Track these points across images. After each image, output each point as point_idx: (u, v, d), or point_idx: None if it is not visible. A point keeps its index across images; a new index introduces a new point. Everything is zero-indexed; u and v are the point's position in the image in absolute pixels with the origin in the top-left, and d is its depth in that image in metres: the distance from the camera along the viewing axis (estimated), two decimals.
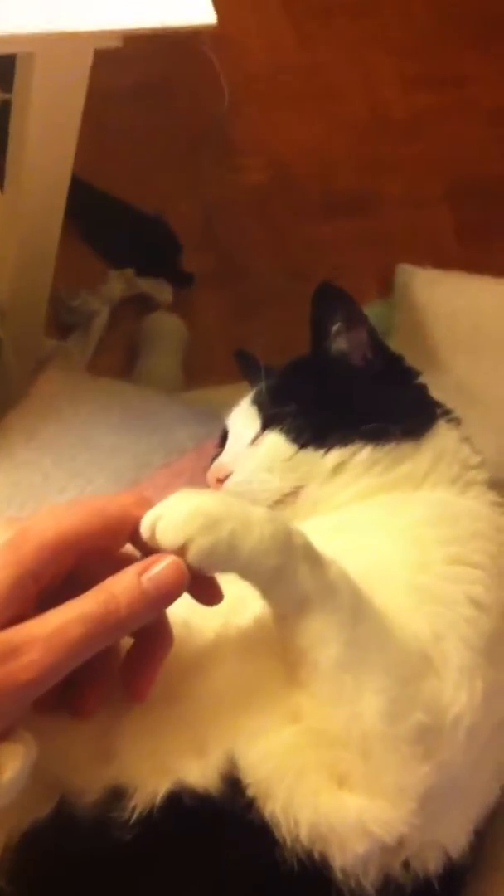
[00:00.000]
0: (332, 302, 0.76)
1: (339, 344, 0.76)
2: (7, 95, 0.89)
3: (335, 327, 0.75)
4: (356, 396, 0.74)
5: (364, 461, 0.70)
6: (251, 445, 0.73)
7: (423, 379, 0.78)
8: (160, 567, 0.50)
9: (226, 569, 0.53)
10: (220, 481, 0.72)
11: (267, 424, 0.73)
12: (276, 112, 1.71)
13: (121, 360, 1.43)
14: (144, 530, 0.51)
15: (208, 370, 1.27)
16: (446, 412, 0.75)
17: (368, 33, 1.83)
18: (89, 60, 0.76)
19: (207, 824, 0.53)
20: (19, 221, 0.89)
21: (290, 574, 0.53)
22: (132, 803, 0.53)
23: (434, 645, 0.58)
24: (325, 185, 1.65)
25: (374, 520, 0.67)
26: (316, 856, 0.53)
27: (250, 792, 0.53)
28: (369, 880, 0.54)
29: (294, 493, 0.70)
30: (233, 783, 0.54)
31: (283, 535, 0.53)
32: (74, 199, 1.40)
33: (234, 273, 1.54)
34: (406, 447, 0.71)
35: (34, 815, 0.53)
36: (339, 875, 0.53)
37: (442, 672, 0.57)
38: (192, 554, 0.50)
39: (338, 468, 0.70)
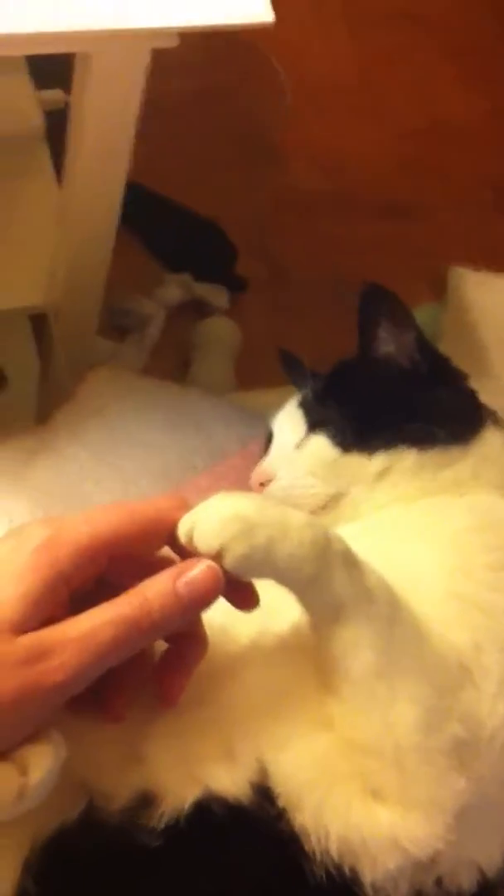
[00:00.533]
0: (378, 303, 0.75)
1: (386, 346, 0.74)
2: (68, 98, 0.90)
3: (382, 329, 0.74)
4: (403, 399, 0.73)
5: (410, 466, 0.69)
6: (296, 449, 0.73)
7: (471, 382, 0.76)
8: (195, 572, 0.49)
9: (262, 575, 0.52)
10: (263, 485, 0.72)
11: (312, 428, 0.73)
12: (331, 118, 1.70)
13: (174, 364, 1.43)
14: (181, 534, 0.51)
15: (256, 376, 1.27)
16: (494, 416, 0.74)
17: (425, 40, 1.81)
18: (147, 61, 0.76)
19: (236, 834, 0.53)
20: (75, 221, 0.89)
21: (328, 581, 0.52)
22: (160, 810, 0.52)
23: (473, 655, 0.56)
24: (379, 192, 1.63)
25: (416, 525, 0.66)
26: (346, 870, 0.52)
27: (280, 802, 0.52)
28: None
29: (337, 497, 0.70)
30: (263, 792, 0.53)
31: (321, 541, 0.52)
32: (133, 203, 1.42)
33: (285, 279, 1.53)
34: (453, 452, 0.69)
35: (62, 817, 0.53)
36: (369, 891, 0.52)
37: (481, 684, 0.55)
38: (229, 560, 0.49)
39: (383, 473, 0.69)
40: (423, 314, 1.12)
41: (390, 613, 0.54)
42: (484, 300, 1.09)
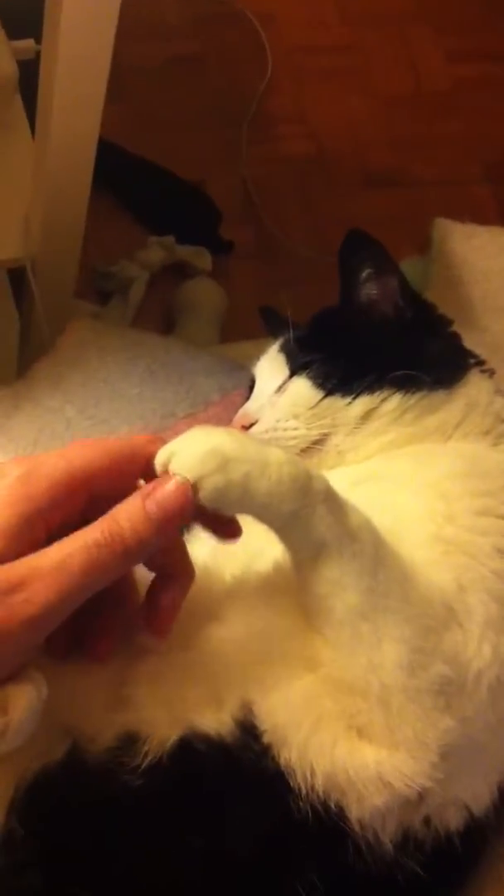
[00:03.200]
0: (361, 249, 0.74)
1: (369, 291, 0.73)
2: (39, 47, 0.88)
3: (364, 274, 0.73)
4: (386, 344, 0.72)
5: (393, 410, 0.68)
6: (277, 393, 0.72)
7: (455, 328, 0.75)
8: (164, 489, 0.48)
9: (240, 510, 0.51)
10: (246, 429, 0.71)
11: (294, 371, 0.72)
12: (317, 87, 1.69)
13: (159, 326, 1.42)
14: (158, 464, 0.50)
15: (243, 339, 1.26)
16: (479, 362, 0.73)
17: (410, 9, 1.80)
18: (117, 5, 0.74)
19: (220, 771, 0.52)
20: (49, 172, 0.88)
21: (308, 518, 0.51)
22: (144, 749, 0.52)
23: (458, 597, 0.56)
24: (364, 161, 1.63)
25: (401, 471, 0.65)
26: (332, 806, 0.52)
27: (265, 739, 0.52)
28: (387, 835, 0.53)
29: (320, 440, 0.69)
30: (248, 730, 0.52)
31: (302, 478, 0.51)
32: (117, 166, 1.40)
33: (271, 245, 1.53)
34: (437, 396, 0.69)
35: (46, 758, 0.53)
36: (355, 827, 0.52)
37: (466, 625, 0.55)
38: (205, 493, 0.49)
39: (365, 416, 0.68)
40: (408, 267, 1.11)
41: (374, 553, 0.53)
42: (468, 252, 1.08)
